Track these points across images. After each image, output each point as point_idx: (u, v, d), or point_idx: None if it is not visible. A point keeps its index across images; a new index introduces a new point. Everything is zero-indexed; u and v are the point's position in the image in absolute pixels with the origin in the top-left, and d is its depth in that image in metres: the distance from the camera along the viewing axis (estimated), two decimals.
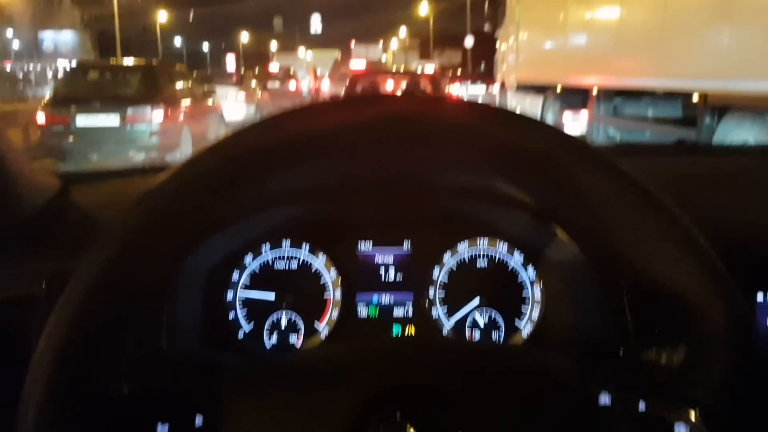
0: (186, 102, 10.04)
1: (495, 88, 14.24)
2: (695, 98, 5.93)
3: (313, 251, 1.11)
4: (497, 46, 13.37)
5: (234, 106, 14.06)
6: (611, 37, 7.47)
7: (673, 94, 6.73)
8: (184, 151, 9.27)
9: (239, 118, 13.60)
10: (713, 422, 0.60)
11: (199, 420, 0.60)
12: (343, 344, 0.97)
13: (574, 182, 0.61)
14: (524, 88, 11.15)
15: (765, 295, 0.97)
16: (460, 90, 23.97)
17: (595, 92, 8.24)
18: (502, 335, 1.12)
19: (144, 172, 1.36)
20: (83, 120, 8.90)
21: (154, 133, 9.00)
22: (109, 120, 8.90)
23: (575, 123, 8.52)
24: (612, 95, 8.03)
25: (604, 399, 0.62)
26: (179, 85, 10.15)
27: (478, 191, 1.02)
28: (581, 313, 1.00)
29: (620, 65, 7.26)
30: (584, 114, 8.52)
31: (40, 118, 9.00)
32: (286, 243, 1.11)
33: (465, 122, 0.61)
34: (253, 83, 17.94)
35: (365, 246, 1.12)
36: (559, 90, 9.47)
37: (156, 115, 9.04)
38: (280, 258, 1.11)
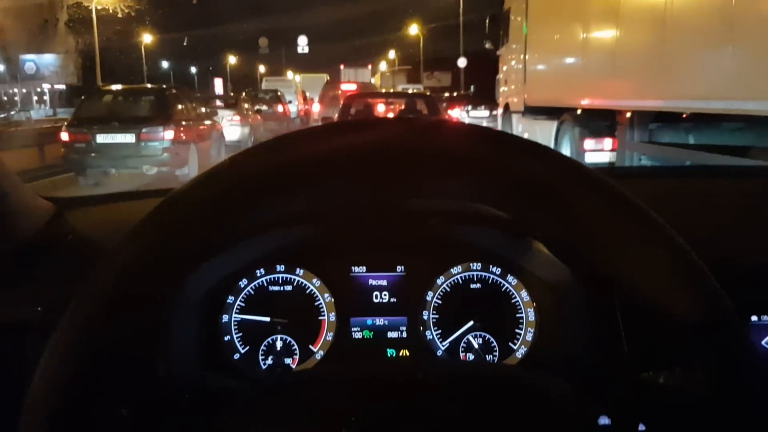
0: (192, 122, 11.84)
1: (497, 112, 13.48)
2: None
3: (307, 276, 1.17)
4: (500, 66, 12.77)
5: (230, 128, 15.72)
6: (652, 51, 6.25)
7: (724, 118, 5.86)
8: (191, 166, 10.97)
9: (235, 138, 15.28)
10: None
11: None
12: (338, 365, 1.04)
13: (568, 205, 0.65)
14: (534, 111, 10.29)
15: (759, 317, 1.04)
16: (461, 114, 23.85)
17: (628, 116, 7.29)
18: (496, 358, 1.16)
19: (139, 197, 1.41)
20: (103, 138, 10.60)
21: (166, 150, 10.68)
22: (126, 138, 10.59)
23: (598, 151, 7.87)
24: (648, 119, 7.07)
25: (603, 420, 0.63)
26: (187, 107, 11.94)
27: (473, 216, 1.04)
28: (575, 335, 1.04)
29: (663, 84, 6.10)
30: (608, 141, 7.83)
31: (64, 136, 10.74)
32: (280, 267, 1.17)
33: (466, 150, 0.66)
34: (246, 106, 19.57)
35: (359, 270, 1.18)
36: (578, 113, 8.49)
37: (167, 134, 10.73)
38: (274, 282, 1.17)
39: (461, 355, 1.18)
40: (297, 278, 1.18)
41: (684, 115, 6.58)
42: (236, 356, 1.15)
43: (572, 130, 8.46)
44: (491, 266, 1.18)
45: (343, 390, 0.67)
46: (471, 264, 1.18)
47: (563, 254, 0.96)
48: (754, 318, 1.04)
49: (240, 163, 0.66)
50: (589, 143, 7.96)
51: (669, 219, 0.65)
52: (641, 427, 0.63)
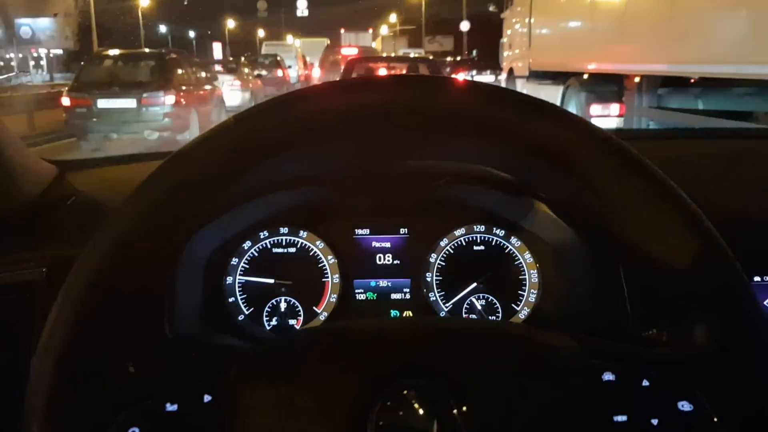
0: (193, 87, 11.78)
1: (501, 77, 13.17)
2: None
3: (310, 238, 1.17)
4: (504, 29, 12.53)
5: (231, 92, 15.66)
6: (662, 13, 6.04)
7: (733, 83, 5.80)
8: (192, 131, 10.91)
9: (236, 103, 15.17)
10: (717, 399, 0.61)
11: (206, 398, 0.61)
12: (343, 321, 1.03)
13: (574, 164, 0.64)
14: (539, 75, 10.06)
15: (762, 278, 1.05)
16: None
17: (636, 80, 7.14)
18: (500, 319, 1.17)
19: (141, 159, 1.41)
20: (104, 103, 10.55)
21: (167, 115, 10.64)
22: (127, 103, 10.55)
23: (605, 116, 7.67)
24: (656, 84, 6.93)
25: (607, 376, 0.63)
26: (187, 72, 11.86)
27: (477, 177, 1.04)
28: (578, 296, 1.04)
29: (673, 48, 5.91)
30: (616, 107, 7.66)
31: (66, 101, 10.69)
32: (284, 230, 1.17)
33: (472, 107, 0.65)
34: (246, 71, 19.46)
35: (363, 232, 1.19)
36: (585, 78, 8.26)
37: (168, 99, 10.70)
38: (278, 244, 1.17)
39: (464, 316, 1.18)
40: (301, 240, 1.18)
41: (692, 80, 6.48)
42: (241, 317, 1.16)
43: (578, 95, 8.25)
44: (495, 228, 1.18)
45: (348, 345, 0.66)
46: (474, 226, 1.19)
47: (567, 214, 0.96)
48: (756, 278, 1.05)
49: (245, 122, 0.66)
50: (595, 108, 7.78)
51: (674, 179, 0.65)
52: (645, 382, 0.63)
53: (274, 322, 1.17)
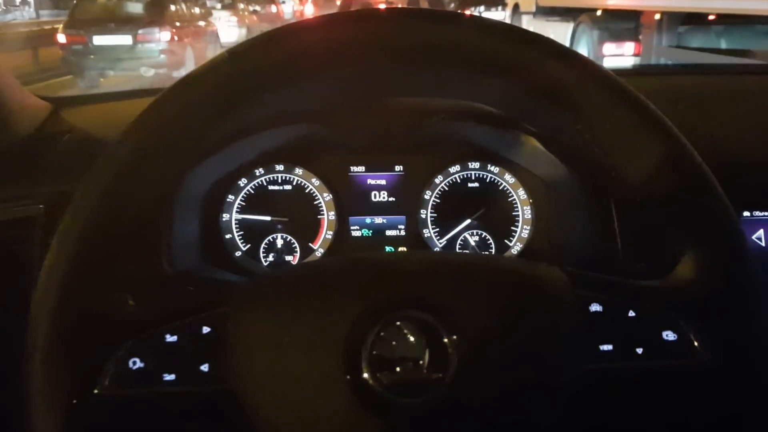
0: (188, 23, 11.56)
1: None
2: None
3: (306, 175, 1.17)
4: None
5: (227, 28, 15.43)
6: None
7: (758, 20, 5.41)
8: (188, 67, 10.73)
9: (233, 39, 14.89)
10: (700, 329, 0.62)
11: (205, 329, 0.62)
12: (341, 256, 1.03)
13: (568, 99, 0.63)
14: (546, 11, 9.51)
15: (751, 213, 1.03)
16: None
17: (657, 17, 6.58)
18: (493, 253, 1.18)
19: (136, 95, 1.37)
20: (99, 39, 10.36)
21: (163, 51, 10.49)
22: (122, 39, 10.37)
23: (619, 56, 7.15)
24: (677, 22, 6.38)
25: (595, 307, 0.63)
26: (182, 8, 11.63)
27: (470, 113, 1.03)
28: (570, 231, 1.05)
29: None
30: (630, 45, 7.12)
31: (61, 38, 10.47)
32: (279, 167, 1.16)
33: (466, 42, 0.63)
34: (241, 6, 19.14)
35: (358, 169, 1.18)
36: (598, 14, 7.62)
37: (163, 35, 10.52)
38: (273, 182, 1.16)
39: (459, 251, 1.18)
40: (296, 177, 1.17)
41: (714, 17, 6.01)
42: (238, 254, 1.16)
43: (590, 33, 7.62)
44: (489, 165, 1.17)
45: (341, 278, 0.65)
46: (469, 163, 1.17)
47: (560, 150, 0.94)
48: (746, 213, 1.04)
49: (239, 56, 0.63)
50: (609, 47, 7.24)
51: (666, 114, 0.64)
52: (630, 313, 0.63)
53: (271, 258, 1.17)
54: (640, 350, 0.63)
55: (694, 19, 6.25)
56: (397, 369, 0.59)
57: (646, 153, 0.63)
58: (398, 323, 0.60)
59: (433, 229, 1.19)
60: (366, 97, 0.97)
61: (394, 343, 0.60)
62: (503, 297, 0.64)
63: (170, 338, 0.62)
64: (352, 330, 0.60)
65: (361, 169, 1.18)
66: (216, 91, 0.62)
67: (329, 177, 1.17)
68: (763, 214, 1.05)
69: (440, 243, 1.19)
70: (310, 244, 1.18)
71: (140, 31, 10.45)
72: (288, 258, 1.18)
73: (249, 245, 1.17)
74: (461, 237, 1.19)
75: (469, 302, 0.62)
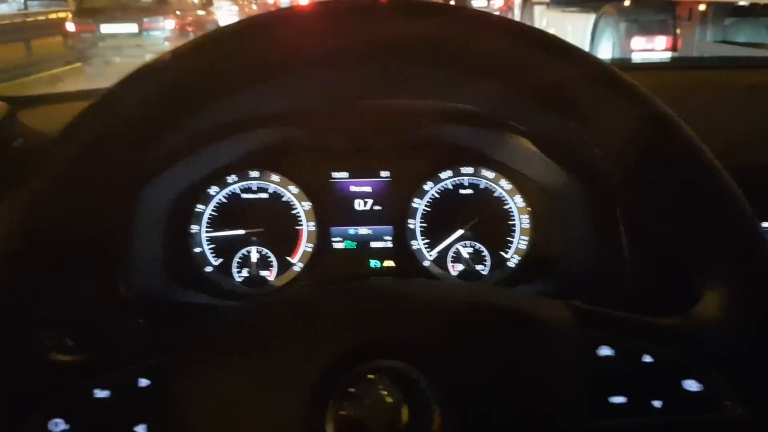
0: (191, 12, 11.78)
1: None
2: None
3: (283, 182, 1.05)
4: None
5: (229, 18, 15.65)
6: None
7: None
8: None
9: None
10: (731, 379, 0.50)
11: (143, 382, 0.51)
12: (313, 288, 0.82)
13: (565, 95, 0.51)
14: (563, 1, 7.96)
15: None
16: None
17: (702, 8, 5.45)
18: (487, 268, 1.06)
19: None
20: (107, 28, 10.47)
21: (167, 39, 10.55)
22: (129, 27, 10.49)
23: (649, 51, 5.93)
24: (725, 13, 5.32)
25: (604, 351, 0.52)
26: None
27: (462, 115, 0.94)
28: (573, 243, 0.96)
29: None
30: (662, 39, 5.91)
31: (70, 26, 10.63)
32: (254, 174, 1.05)
33: (443, 33, 0.50)
34: None
35: (340, 176, 1.06)
36: (626, 4, 6.33)
37: (168, 23, 10.67)
38: (248, 190, 1.05)
39: (450, 266, 1.08)
40: (272, 185, 1.06)
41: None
42: (208, 269, 1.06)
43: (616, 26, 6.25)
44: (483, 170, 1.07)
45: (299, 322, 0.54)
46: (461, 168, 1.07)
47: (558, 153, 0.87)
48: (765, 224, 0.87)
49: (183, 57, 0.51)
50: (638, 41, 5.95)
51: (682, 114, 0.52)
52: (647, 358, 0.52)
53: (245, 273, 1.06)
54: (658, 403, 0.52)
55: (746, 10, 5.11)
56: (365, 429, 0.48)
57: (655, 156, 0.50)
58: (370, 376, 0.50)
59: (423, 240, 1.08)
60: (340, 99, 0.85)
61: (365, 400, 0.49)
62: (493, 342, 0.53)
63: (101, 393, 0.51)
64: (315, 386, 0.49)
65: (344, 175, 1.07)
66: (157, 96, 0.51)
67: (309, 184, 1.06)
68: None
69: (431, 255, 1.08)
70: (288, 258, 1.07)
71: (145, 20, 10.58)
72: (264, 273, 1.07)
73: (221, 260, 1.06)
74: (453, 249, 1.08)
75: (454, 347, 0.52)
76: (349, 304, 0.56)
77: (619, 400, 0.52)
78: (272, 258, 1.07)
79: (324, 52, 0.51)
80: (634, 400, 0.52)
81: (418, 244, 1.08)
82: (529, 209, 1.06)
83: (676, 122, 0.50)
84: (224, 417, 0.50)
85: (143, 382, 0.51)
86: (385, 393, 0.49)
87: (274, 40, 0.50)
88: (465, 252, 1.07)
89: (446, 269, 1.08)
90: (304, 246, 1.07)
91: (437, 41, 0.51)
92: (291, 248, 1.07)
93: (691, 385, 0.52)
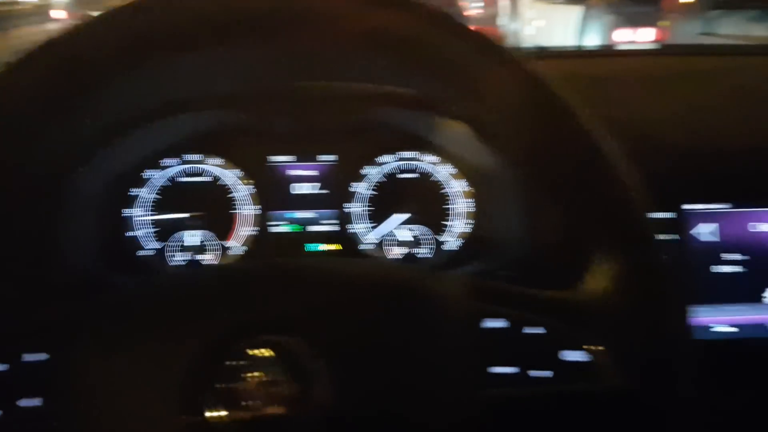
0: None
1: None
2: None
3: (227, 165, 1.05)
4: None
5: None
6: None
7: None
8: None
9: None
10: (613, 349, 0.54)
11: (41, 356, 0.52)
12: (213, 267, 0.92)
13: (469, 78, 0.53)
14: None
15: (691, 205, 0.93)
16: None
17: (687, 0, 5.61)
18: (432, 251, 1.08)
19: None
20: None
21: None
22: None
23: (632, 43, 5.50)
24: (709, 4, 5.39)
25: (490, 323, 0.55)
26: None
27: (401, 98, 0.95)
28: (510, 225, 0.98)
29: None
30: (647, 31, 5.91)
31: (60, 14, 10.46)
32: (191, 157, 1.04)
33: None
34: None
35: (279, 159, 1.06)
36: None
37: None
38: (184, 173, 1.05)
39: (389, 249, 1.08)
40: (210, 168, 1.05)
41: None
42: (140, 253, 1.04)
43: (604, 18, 6.37)
44: (426, 155, 1.07)
45: (182, 300, 0.55)
46: (404, 153, 1.07)
47: (488, 139, 0.84)
48: (685, 206, 0.94)
49: (95, 26, 0.49)
50: (622, 33, 5.97)
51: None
52: (529, 330, 0.55)
53: (181, 257, 1.05)
54: (547, 373, 0.55)
55: (731, 2, 5.18)
56: (246, 404, 0.49)
57: (557, 143, 0.53)
58: (255, 351, 0.51)
59: (364, 223, 1.08)
60: (284, 78, 0.88)
61: (247, 374, 0.50)
62: (381, 315, 0.54)
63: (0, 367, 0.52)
64: (196, 359, 0.50)
65: (286, 158, 1.06)
66: (47, 74, 0.49)
67: (247, 167, 1.05)
68: (704, 207, 0.95)
69: (367, 240, 1.08)
70: (223, 242, 1.06)
71: None
72: (201, 258, 1.05)
73: (156, 243, 1.05)
74: (394, 233, 1.08)
75: (340, 323, 0.53)
76: (240, 281, 0.57)
77: (507, 370, 0.55)
78: (212, 242, 1.06)
79: (218, 28, 0.50)
80: (523, 371, 0.55)
81: (355, 228, 1.08)
82: (472, 191, 1.07)
83: (551, 88, 0.52)
84: (112, 390, 0.51)
85: (41, 356, 0.52)
86: (268, 367, 0.50)
87: (156, 19, 0.50)
88: (401, 236, 1.08)
89: (385, 252, 1.08)
90: (238, 230, 1.06)
91: (331, 18, 0.51)
92: (227, 232, 1.06)
93: (579, 356, 0.54)
